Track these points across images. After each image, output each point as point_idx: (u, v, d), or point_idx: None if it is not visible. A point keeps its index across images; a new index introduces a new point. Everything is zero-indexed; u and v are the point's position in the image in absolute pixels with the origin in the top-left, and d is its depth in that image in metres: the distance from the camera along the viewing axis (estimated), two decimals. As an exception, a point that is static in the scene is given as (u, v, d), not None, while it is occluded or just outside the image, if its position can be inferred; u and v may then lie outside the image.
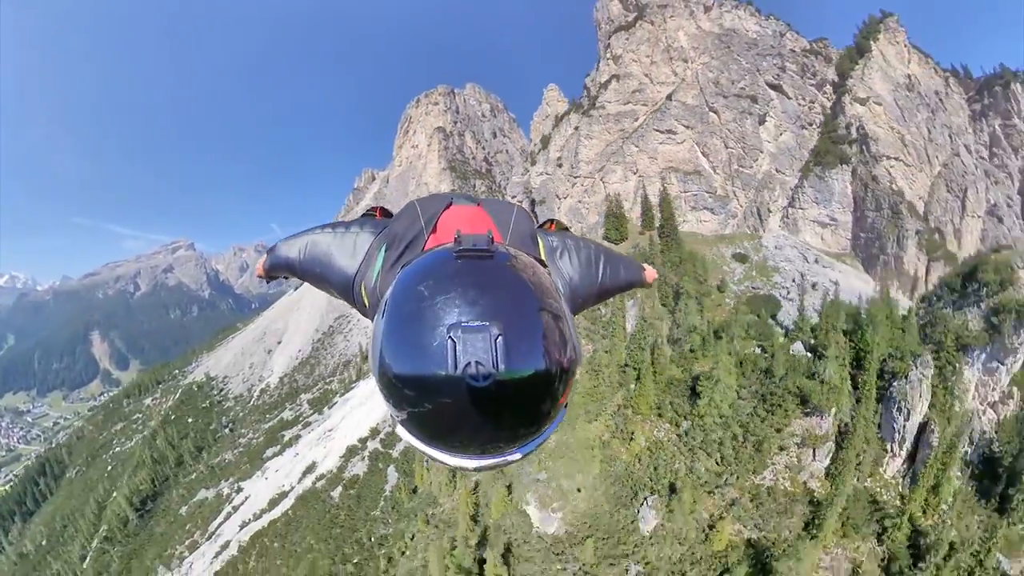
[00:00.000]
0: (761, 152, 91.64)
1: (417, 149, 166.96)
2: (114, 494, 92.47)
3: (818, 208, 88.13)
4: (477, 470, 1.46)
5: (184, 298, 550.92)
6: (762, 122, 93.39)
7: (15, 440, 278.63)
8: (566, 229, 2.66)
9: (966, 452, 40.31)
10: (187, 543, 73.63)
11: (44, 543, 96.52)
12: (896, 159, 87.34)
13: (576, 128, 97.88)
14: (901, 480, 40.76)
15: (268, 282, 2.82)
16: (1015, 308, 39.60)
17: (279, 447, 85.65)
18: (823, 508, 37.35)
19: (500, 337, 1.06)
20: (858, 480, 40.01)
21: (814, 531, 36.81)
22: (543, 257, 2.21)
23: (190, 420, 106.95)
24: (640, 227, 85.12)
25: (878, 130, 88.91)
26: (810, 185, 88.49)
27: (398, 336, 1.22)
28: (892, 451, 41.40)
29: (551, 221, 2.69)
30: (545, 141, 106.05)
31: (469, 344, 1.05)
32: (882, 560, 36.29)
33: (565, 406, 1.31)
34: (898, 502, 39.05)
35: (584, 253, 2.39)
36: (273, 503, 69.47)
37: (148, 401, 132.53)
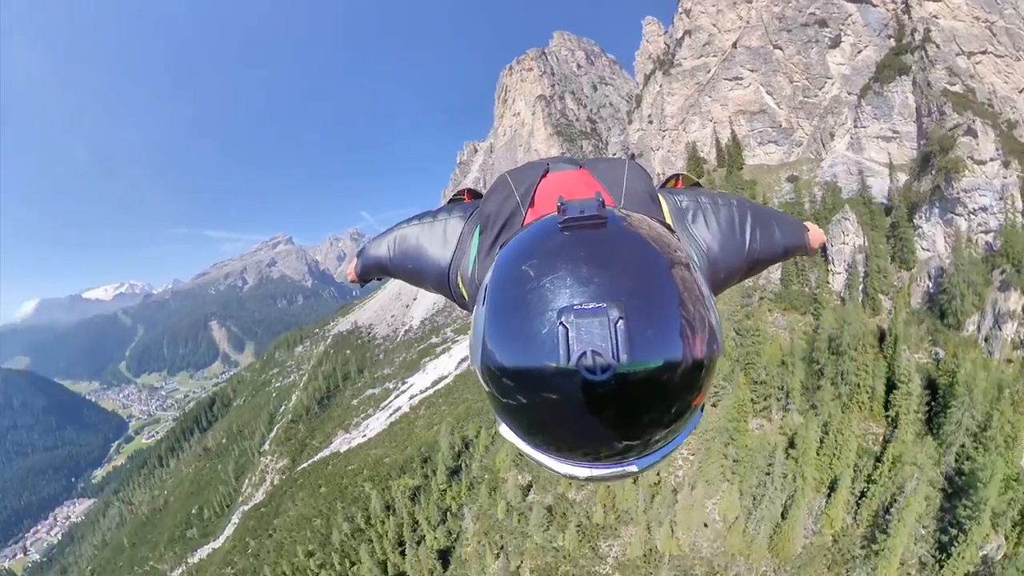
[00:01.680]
0: (828, 79, 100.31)
1: (519, 117, 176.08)
2: (293, 396, 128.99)
3: (879, 123, 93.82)
4: (590, 480, 1.62)
5: (289, 288, 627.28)
6: (835, 45, 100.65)
7: (154, 408, 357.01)
8: (697, 184, 2.43)
9: None
10: (362, 416, 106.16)
11: (224, 441, 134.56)
12: (983, 52, 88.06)
13: (660, 87, 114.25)
14: None
15: (362, 285, 2.95)
16: None
17: (434, 356, 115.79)
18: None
19: (621, 321, 0.94)
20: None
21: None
22: (669, 221, 1.92)
23: (348, 352, 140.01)
24: (715, 167, 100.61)
25: (957, 24, 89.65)
26: (868, 103, 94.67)
27: (501, 325, 1.13)
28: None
29: (676, 177, 2.48)
30: (638, 100, 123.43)
31: (584, 330, 0.93)
32: None
33: (701, 408, 1.16)
34: None
35: (724, 213, 2.04)
36: (435, 383, 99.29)
37: (299, 349, 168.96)
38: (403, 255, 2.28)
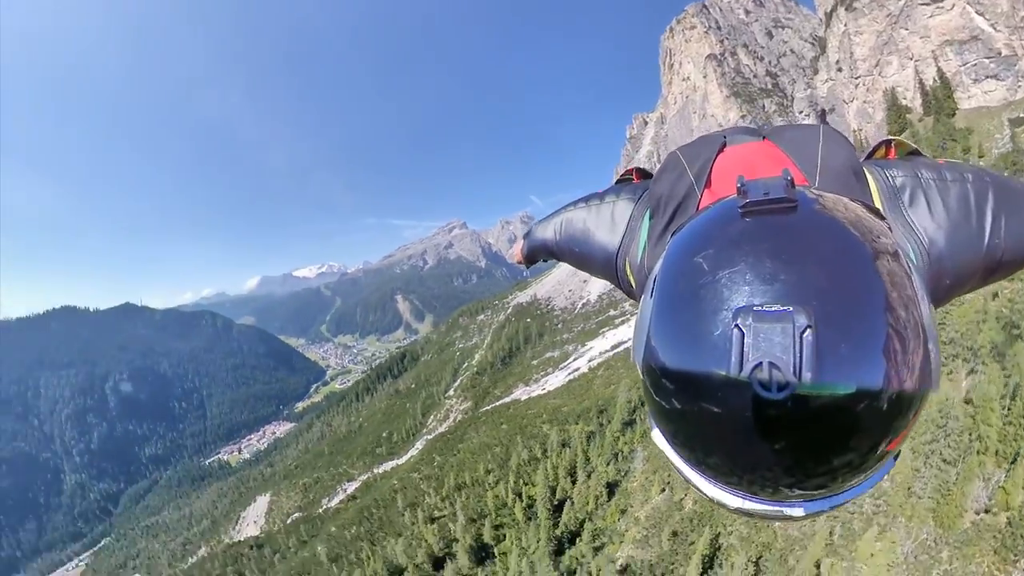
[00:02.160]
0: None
1: (689, 82, 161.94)
2: (476, 354, 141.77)
3: None
4: (739, 512, 1.43)
5: (464, 268, 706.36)
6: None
7: (346, 362, 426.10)
8: (915, 152, 1.78)
9: None
10: (541, 373, 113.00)
11: (413, 386, 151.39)
12: None
13: (845, 25, 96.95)
14: None
15: (528, 267, 2.87)
16: None
17: (612, 326, 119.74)
18: None
19: (808, 330, 0.75)
20: None
21: None
22: (878, 204, 1.44)
23: (528, 320, 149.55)
24: (920, 116, 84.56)
25: None
26: None
27: (668, 321, 1.17)
28: None
29: (886, 144, 1.82)
30: (823, 44, 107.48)
31: (762, 336, 0.75)
32: None
33: (896, 454, 0.94)
34: None
35: (955, 192, 1.44)
36: (614, 347, 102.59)
37: (480, 317, 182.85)
38: (569, 239, 2.15)
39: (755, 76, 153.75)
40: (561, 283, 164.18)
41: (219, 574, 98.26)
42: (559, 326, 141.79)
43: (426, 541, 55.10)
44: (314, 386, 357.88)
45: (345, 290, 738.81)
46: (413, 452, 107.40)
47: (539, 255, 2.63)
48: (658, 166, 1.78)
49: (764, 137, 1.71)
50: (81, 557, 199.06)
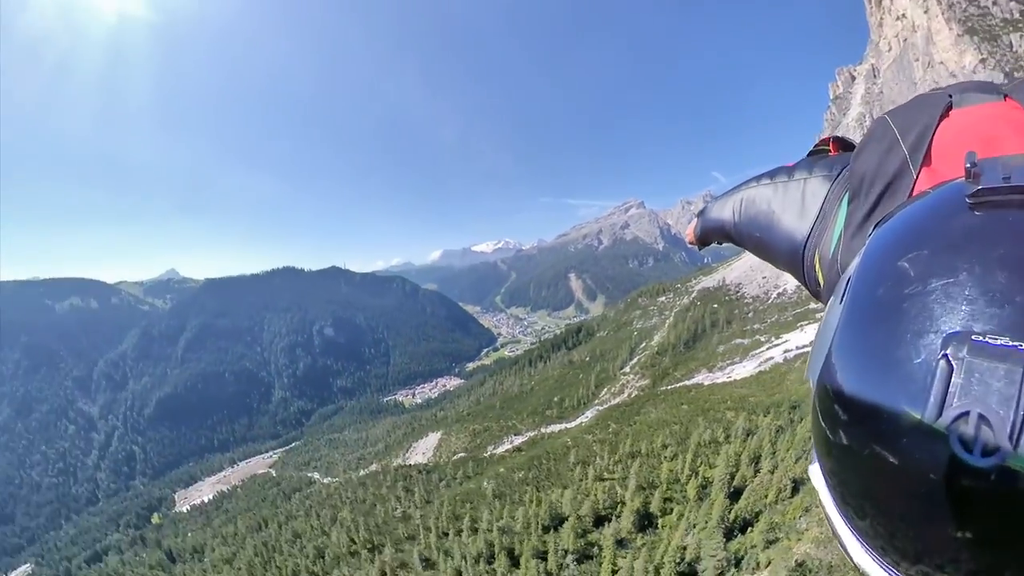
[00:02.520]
0: None
1: (906, 21, 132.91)
2: (656, 335, 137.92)
3: None
4: None
5: (640, 250, 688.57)
6: None
7: (516, 332, 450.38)
8: None
9: None
10: (728, 361, 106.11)
11: (587, 359, 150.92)
12: None
13: None
14: None
15: (700, 249, 2.49)
16: None
17: (812, 320, 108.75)
18: None
19: None
20: None
21: None
22: None
23: (715, 305, 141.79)
24: None
25: None
26: None
27: (858, 335, 0.83)
28: None
29: None
30: None
31: (977, 377, 0.52)
32: None
33: None
34: None
35: None
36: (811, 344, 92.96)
37: (661, 299, 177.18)
38: (750, 221, 1.79)
39: (995, 2, 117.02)
40: (754, 269, 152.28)
41: (389, 486, 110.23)
42: (750, 315, 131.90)
43: (594, 496, 54.83)
44: (485, 350, 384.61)
45: (520, 265, 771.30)
46: (583, 419, 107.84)
47: (713, 237, 2.21)
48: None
49: (1006, 96, 1.15)
50: (275, 451, 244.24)
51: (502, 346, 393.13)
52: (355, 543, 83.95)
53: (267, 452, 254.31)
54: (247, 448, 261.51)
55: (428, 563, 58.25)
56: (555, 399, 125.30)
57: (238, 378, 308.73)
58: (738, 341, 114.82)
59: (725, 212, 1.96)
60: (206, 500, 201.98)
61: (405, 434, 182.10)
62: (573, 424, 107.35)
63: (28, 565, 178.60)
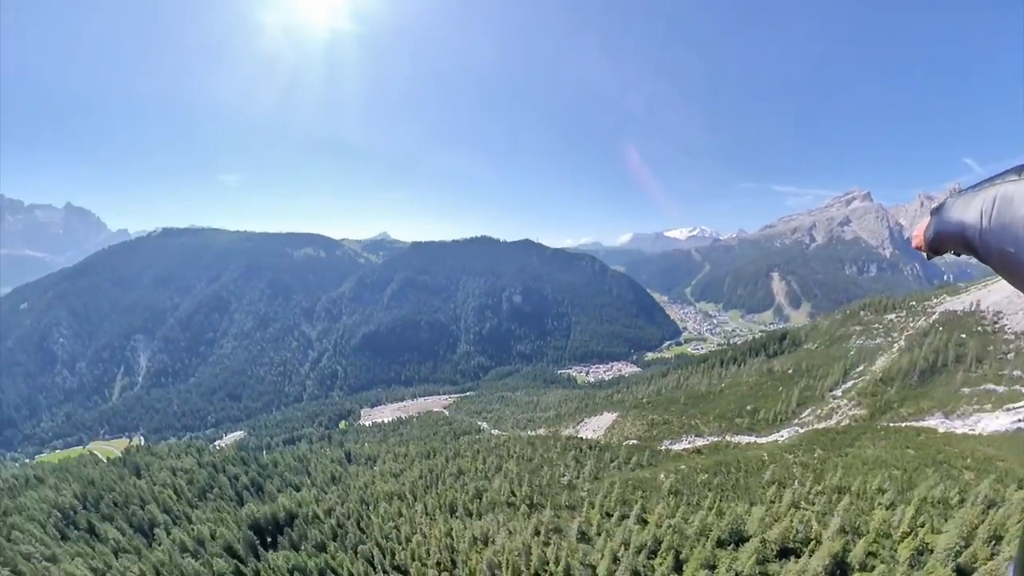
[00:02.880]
0: None
1: None
2: (879, 357, 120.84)
3: None
4: None
5: (861, 254, 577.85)
6: None
7: (704, 329, 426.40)
8: None
9: None
10: (974, 407, 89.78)
11: (790, 372, 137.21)
12: None
13: None
14: None
15: (929, 257, 2.08)
16: None
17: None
18: None
19: None
20: None
21: None
22: None
23: (962, 335, 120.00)
24: None
25: None
26: None
27: None
28: None
29: None
30: None
31: None
32: None
33: None
34: None
35: None
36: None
37: (890, 316, 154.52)
38: (1003, 229, 1.36)
39: None
40: (1020, 296, 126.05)
41: (559, 452, 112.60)
42: (1009, 355, 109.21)
43: (787, 524, 49.38)
44: (667, 343, 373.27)
45: (715, 257, 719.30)
46: (779, 436, 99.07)
47: (949, 244, 1.75)
48: None
49: None
50: (451, 395, 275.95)
51: (686, 342, 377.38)
52: (515, 495, 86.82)
53: (444, 395, 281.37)
54: (427, 387, 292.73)
55: (584, 537, 57.93)
56: (747, 408, 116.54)
57: (431, 327, 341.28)
58: (990, 387, 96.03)
59: (969, 213, 1.52)
60: (385, 421, 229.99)
61: (577, 408, 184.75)
62: (766, 439, 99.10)
63: (242, 432, 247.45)
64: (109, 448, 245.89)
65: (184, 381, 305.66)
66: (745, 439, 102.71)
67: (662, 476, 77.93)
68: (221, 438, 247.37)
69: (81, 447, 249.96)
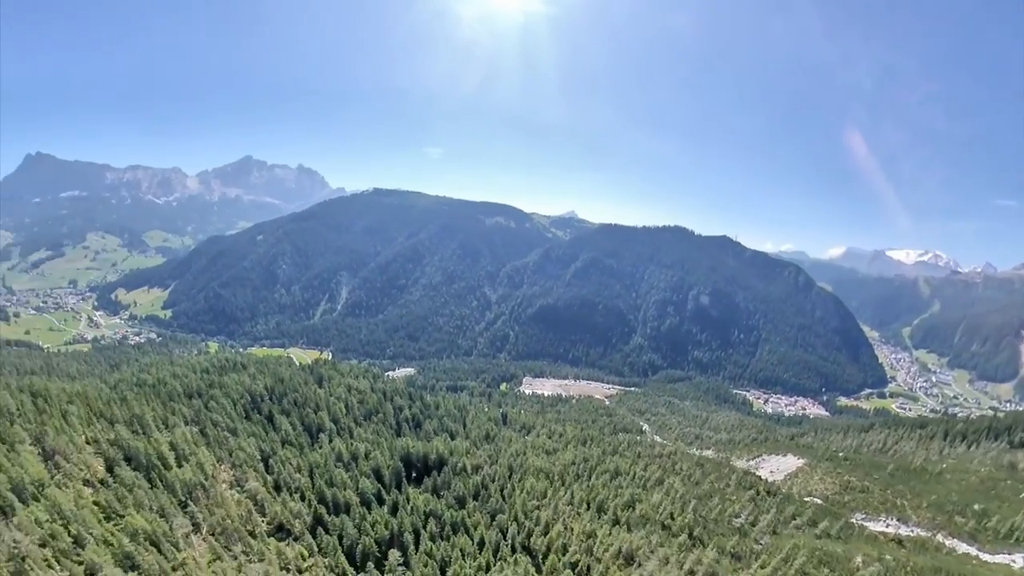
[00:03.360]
0: None
1: None
2: None
3: None
4: None
5: None
6: None
7: (917, 386, 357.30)
8: None
9: None
10: None
11: None
12: None
13: None
14: None
15: None
16: None
17: None
18: None
19: None
20: None
21: None
22: None
23: None
24: None
25: None
26: None
27: None
28: None
29: None
30: None
31: None
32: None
33: None
34: None
35: None
36: None
37: None
38: None
39: None
40: None
41: (733, 486, 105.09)
42: None
43: None
44: (868, 391, 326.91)
45: (949, 294, 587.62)
46: (1012, 559, 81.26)
47: None
48: None
49: None
50: (615, 386, 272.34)
51: (891, 396, 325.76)
52: (674, 519, 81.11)
53: (607, 384, 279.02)
54: (592, 372, 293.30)
55: (749, 600, 51.59)
56: (974, 506, 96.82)
57: (608, 313, 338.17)
58: None
59: None
60: (545, 394, 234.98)
61: (755, 440, 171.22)
62: (994, 557, 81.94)
63: (412, 370, 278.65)
64: (303, 355, 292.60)
65: (373, 316, 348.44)
66: (964, 547, 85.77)
67: (859, 560, 68.02)
68: (394, 370, 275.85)
69: (282, 349, 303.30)
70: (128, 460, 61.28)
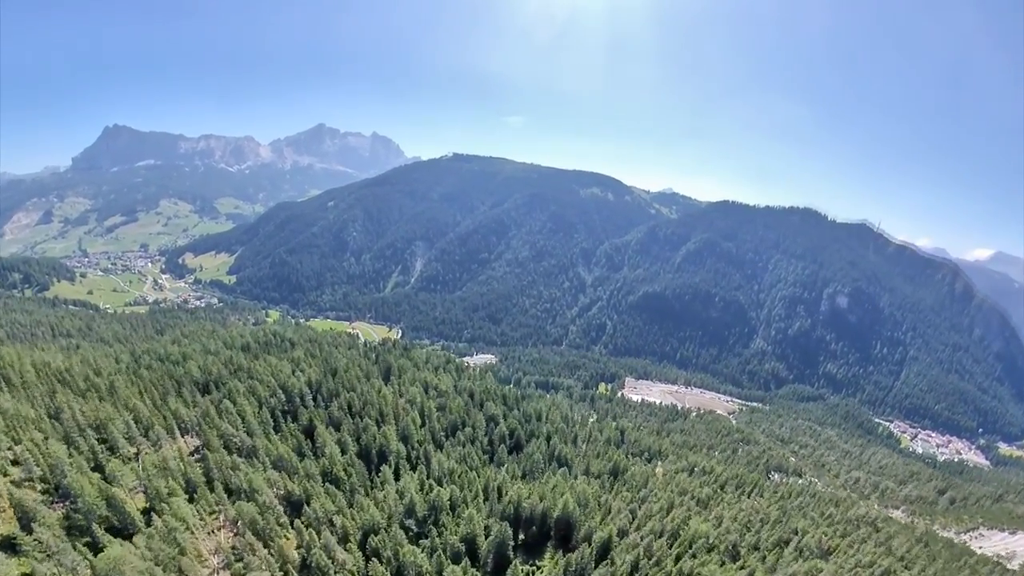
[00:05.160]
0: None
1: None
2: None
3: None
4: None
5: None
6: None
7: None
8: None
9: None
10: None
11: None
12: None
13: None
14: None
15: None
16: None
17: None
18: None
19: None
20: None
21: None
22: None
23: None
24: None
25: None
26: None
27: None
28: None
29: None
30: None
31: None
32: None
33: None
34: None
35: None
36: None
37: None
38: None
39: None
40: None
41: (865, 531, 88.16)
42: None
43: None
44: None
45: None
46: None
47: None
48: None
49: None
50: (733, 399, 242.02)
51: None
52: None
53: (724, 395, 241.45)
54: (704, 378, 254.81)
55: None
56: None
57: (726, 307, 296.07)
58: None
59: None
60: (654, 401, 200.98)
61: (945, 497, 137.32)
62: None
63: (493, 357, 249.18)
64: (370, 330, 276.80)
65: (451, 292, 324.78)
66: None
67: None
68: (471, 355, 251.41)
69: (347, 323, 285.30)
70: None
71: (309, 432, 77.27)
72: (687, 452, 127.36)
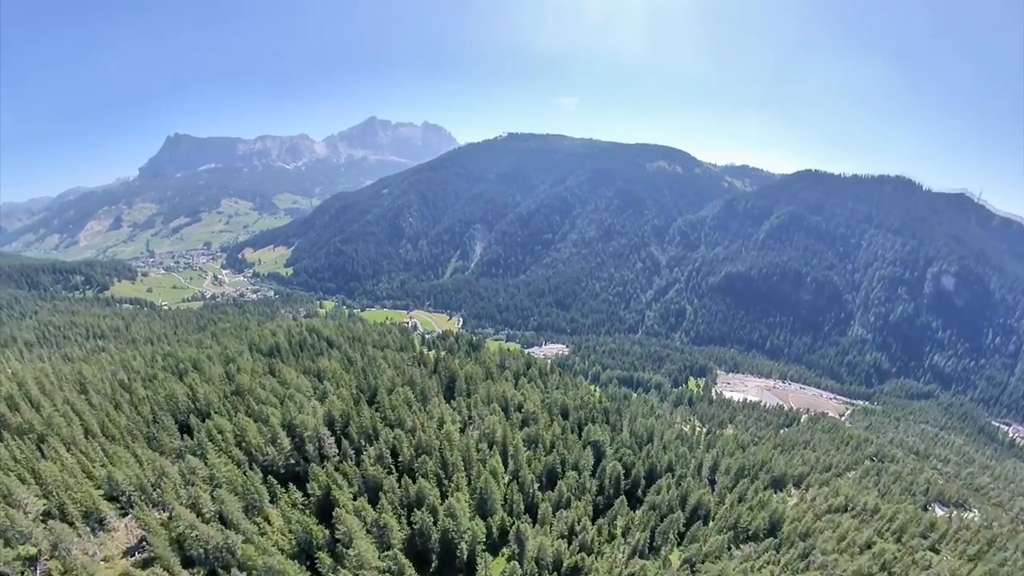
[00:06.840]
0: None
1: None
2: None
3: None
4: None
5: None
6: None
7: None
8: None
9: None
10: None
11: None
12: None
13: None
14: None
15: None
16: None
17: None
18: None
19: None
20: None
21: None
22: None
23: None
24: None
25: None
26: None
27: None
28: None
29: None
30: None
31: None
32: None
33: None
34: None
35: None
36: None
37: None
38: None
39: None
40: None
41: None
42: None
43: None
44: None
45: None
46: None
47: None
48: None
49: None
50: (837, 396, 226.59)
51: None
52: None
53: (825, 391, 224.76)
54: (799, 370, 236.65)
55: None
56: None
57: (819, 289, 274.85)
58: None
59: None
60: (751, 399, 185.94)
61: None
62: None
63: (564, 347, 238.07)
64: (428, 319, 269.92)
65: (514, 276, 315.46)
66: None
67: None
68: (540, 344, 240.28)
69: (405, 312, 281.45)
70: None
71: (325, 507, 53.44)
72: (823, 474, 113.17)
